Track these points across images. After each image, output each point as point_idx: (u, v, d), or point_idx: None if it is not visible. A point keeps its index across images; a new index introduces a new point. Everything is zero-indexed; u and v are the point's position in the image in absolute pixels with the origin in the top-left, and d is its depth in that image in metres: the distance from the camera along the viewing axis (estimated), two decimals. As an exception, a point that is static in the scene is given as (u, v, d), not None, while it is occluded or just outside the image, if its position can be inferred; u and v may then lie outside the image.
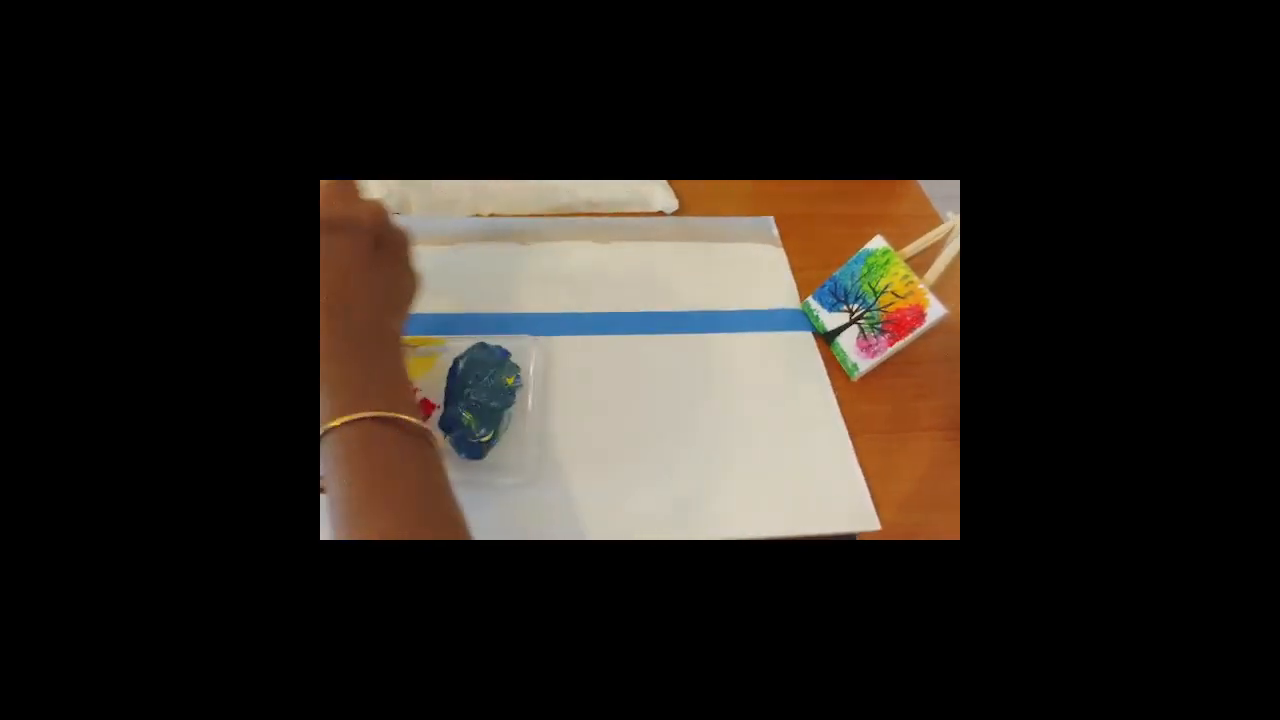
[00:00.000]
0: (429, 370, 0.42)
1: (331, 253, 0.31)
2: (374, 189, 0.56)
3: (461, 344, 0.43)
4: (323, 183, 0.33)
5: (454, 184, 0.57)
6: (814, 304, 0.51)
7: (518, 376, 0.42)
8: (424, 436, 0.29)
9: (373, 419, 0.27)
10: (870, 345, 0.46)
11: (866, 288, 0.47)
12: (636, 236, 0.56)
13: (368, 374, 0.29)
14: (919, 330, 0.44)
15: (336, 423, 0.27)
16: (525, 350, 0.44)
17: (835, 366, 0.48)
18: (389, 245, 0.34)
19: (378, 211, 0.34)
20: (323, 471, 0.27)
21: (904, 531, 0.40)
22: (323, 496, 0.27)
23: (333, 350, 0.29)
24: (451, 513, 0.29)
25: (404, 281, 0.35)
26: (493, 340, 0.43)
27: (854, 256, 0.49)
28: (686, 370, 0.47)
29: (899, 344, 0.45)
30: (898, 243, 0.48)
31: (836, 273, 0.50)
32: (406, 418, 0.28)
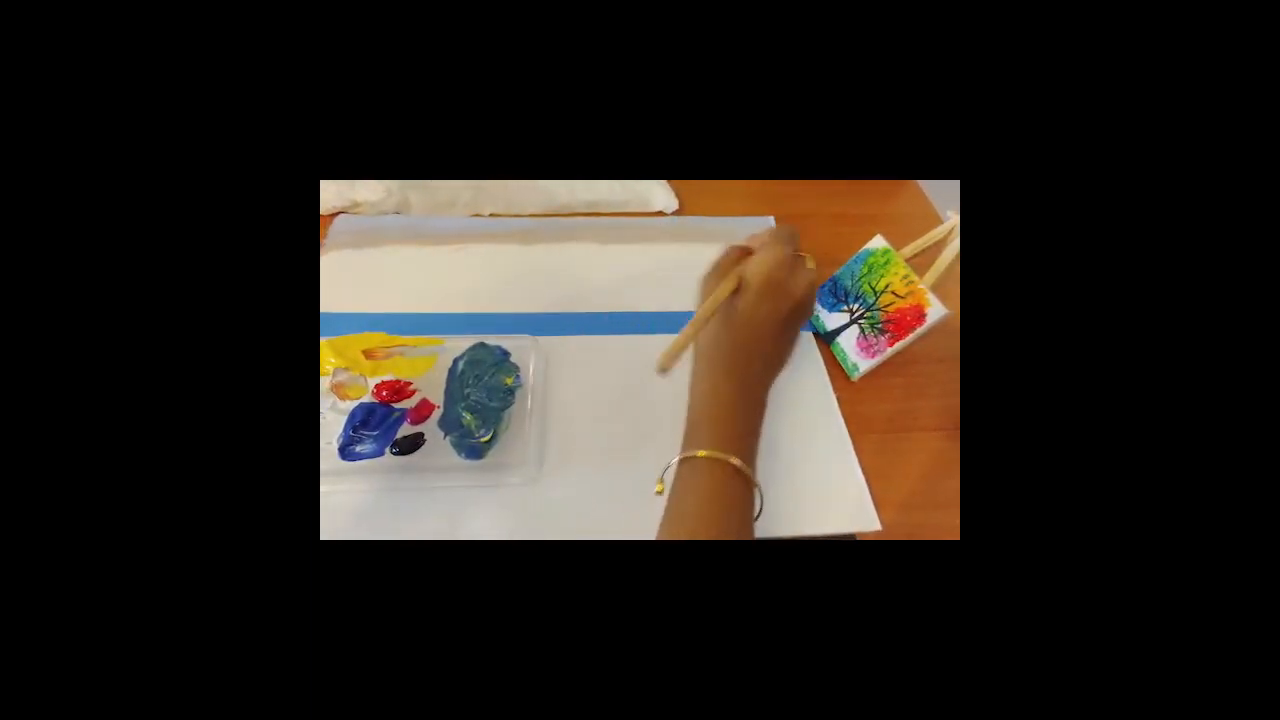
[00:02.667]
0: (429, 370, 0.42)
1: (756, 314, 0.35)
2: (374, 189, 0.56)
3: (461, 344, 0.43)
4: (778, 242, 0.37)
5: (454, 184, 0.57)
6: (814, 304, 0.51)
7: (517, 376, 0.42)
8: (756, 491, 0.33)
9: (737, 468, 0.32)
10: (870, 345, 0.46)
11: (867, 288, 0.47)
12: (636, 237, 0.56)
13: (744, 426, 0.34)
14: (919, 330, 0.44)
15: (705, 454, 0.32)
16: (525, 350, 0.44)
17: (835, 366, 0.48)
18: (803, 313, 0.37)
19: (810, 286, 0.36)
20: (676, 486, 0.33)
21: (904, 531, 0.40)
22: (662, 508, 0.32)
23: (726, 399, 0.34)
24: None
25: (792, 348, 0.38)
26: (493, 340, 0.43)
27: (854, 256, 0.49)
28: (686, 370, 0.47)
29: (899, 344, 0.45)
30: (898, 243, 0.48)
31: (837, 273, 0.50)
32: (751, 474, 0.33)
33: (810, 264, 0.38)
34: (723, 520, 0.31)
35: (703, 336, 0.36)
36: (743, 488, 0.32)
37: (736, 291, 0.36)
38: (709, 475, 0.32)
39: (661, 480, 0.34)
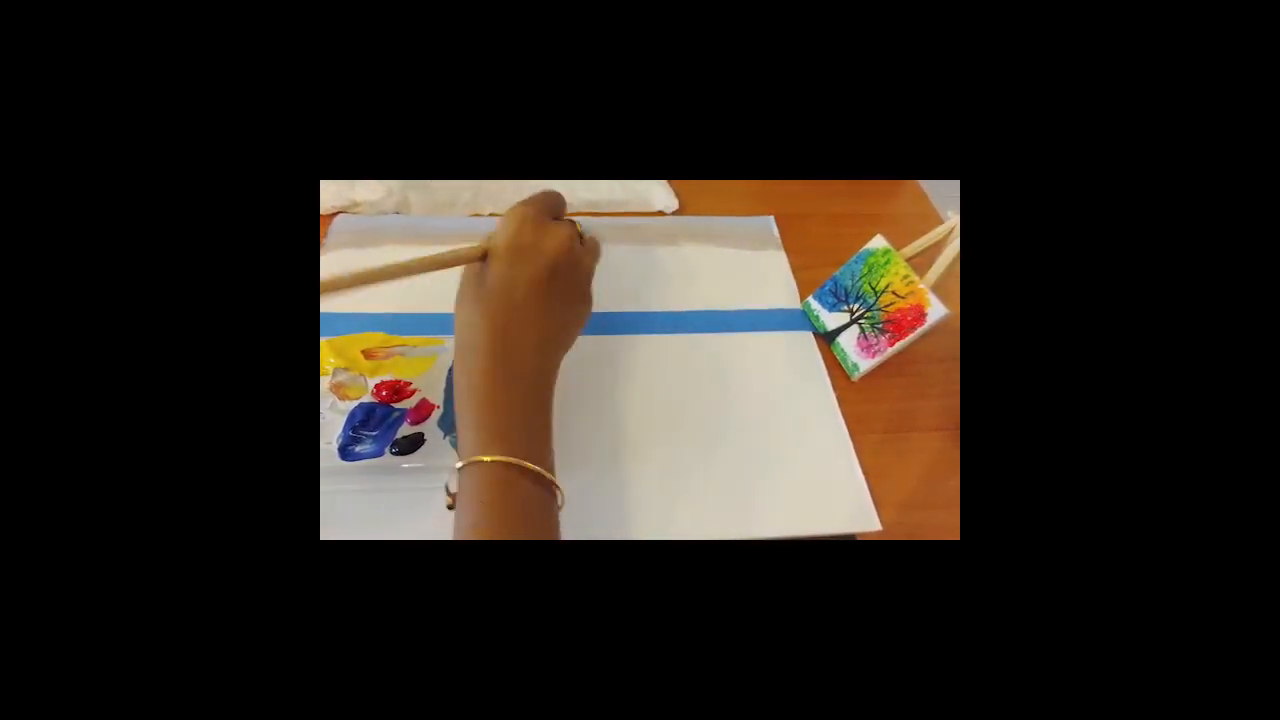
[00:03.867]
0: (429, 370, 0.42)
1: (503, 282, 0.31)
2: (374, 189, 0.56)
3: (461, 344, 0.43)
4: (522, 204, 0.33)
5: (454, 184, 0.57)
6: (814, 304, 0.51)
7: (518, 376, 0.42)
8: (552, 489, 0.30)
9: (514, 465, 0.28)
10: (871, 345, 0.46)
11: (867, 287, 0.47)
12: (636, 237, 0.56)
13: (516, 417, 0.30)
14: (920, 330, 0.44)
15: (478, 460, 0.28)
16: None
17: (836, 366, 0.48)
18: (566, 274, 0.33)
19: (561, 240, 0.33)
20: (457, 499, 0.29)
21: (904, 531, 0.40)
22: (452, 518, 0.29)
23: (487, 387, 0.30)
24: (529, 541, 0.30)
25: (573, 313, 0.34)
26: (493, 340, 0.43)
27: (854, 256, 0.49)
28: (686, 370, 0.47)
29: (899, 344, 0.45)
30: (898, 242, 0.48)
31: (837, 273, 0.50)
32: (542, 470, 0.29)
33: (579, 229, 0.35)
34: (507, 532, 0.27)
35: (457, 324, 0.32)
36: (528, 486, 0.29)
37: (485, 263, 0.32)
38: (482, 482, 0.28)
39: (449, 492, 0.30)
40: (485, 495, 0.28)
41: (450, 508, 0.29)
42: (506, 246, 0.32)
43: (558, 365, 0.34)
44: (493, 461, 0.28)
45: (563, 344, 0.34)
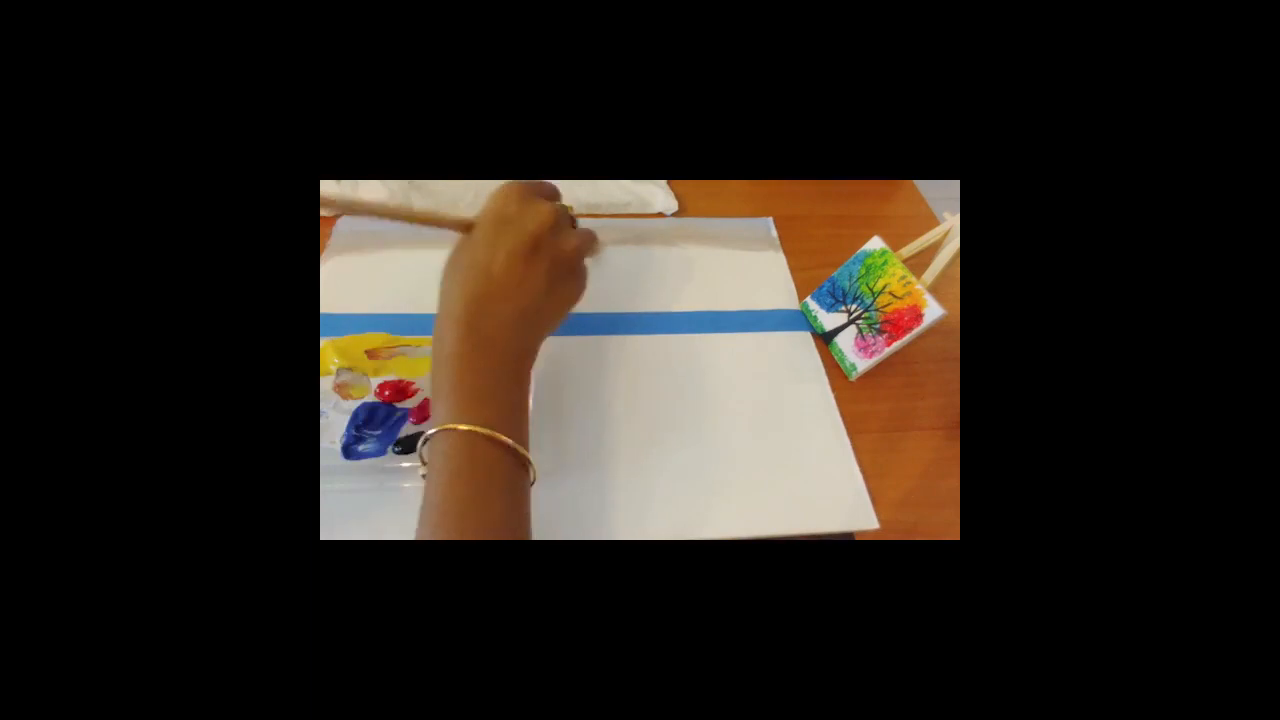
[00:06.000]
0: (429, 370, 0.42)
1: (480, 254, 0.31)
2: (375, 189, 0.56)
3: (462, 344, 0.43)
4: (510, 182, 0.33)
5: (454, 184, 0.58)
6: (812, 304, 0.51)
7: (518, 376, 0.42)
8: (524, 462, 0.29)
9: (480, 435, 0.28)
10: (868, 345, 0.46)
11: (864, 288, 0.48)
12: (636, 238, 0.57)
13: (486, 387, 0.30)
14: (916, 330, 0.44)
15: (445, 428, 0.28)
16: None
17: (834, 366, 0.48)
18: (548, 250, 0.33)
19: (544, 215, 0.33)
20: (428, 467, 0.29)
21: (902, 531, 0.40)
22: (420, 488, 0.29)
23: (460, 356, 0.30)
24: (528, 540, 0.30)
25: (557, 292, 0.34)
26: (493, 340, 0.43)
27: (852, 257, 0.49)
28: (685, 370, 0.47)
29: (897, 344, 0.45)
30: (895, 244, 0.48)
31: (835, 273, 0.50)
32: (510, 442, 0.29)
33: (570, 212, 0.35)
34: (476, 502, 0.28)
35: (439, 295, 0.32)
36: (497, 456, 0.29)
37: (467, 234, 0.33)
38: (452, 450, 0.28)
39: (422, 460, 0.30)
40: (453, 464, 0.28)
41: (424, 476, 0.29)
42: (489, 218, 0.32)
43: (537, 342, 0.34)
44: (465, 430, 0.28)
45: (543, 322, 0.34)
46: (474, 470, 0.28)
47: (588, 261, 0.38)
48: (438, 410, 0.30)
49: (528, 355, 0.33)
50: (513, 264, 0.31)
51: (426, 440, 0.29)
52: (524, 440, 0.30)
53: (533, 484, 0.30)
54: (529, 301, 0.32)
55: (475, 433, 0.28)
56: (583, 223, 0.59)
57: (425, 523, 0.28)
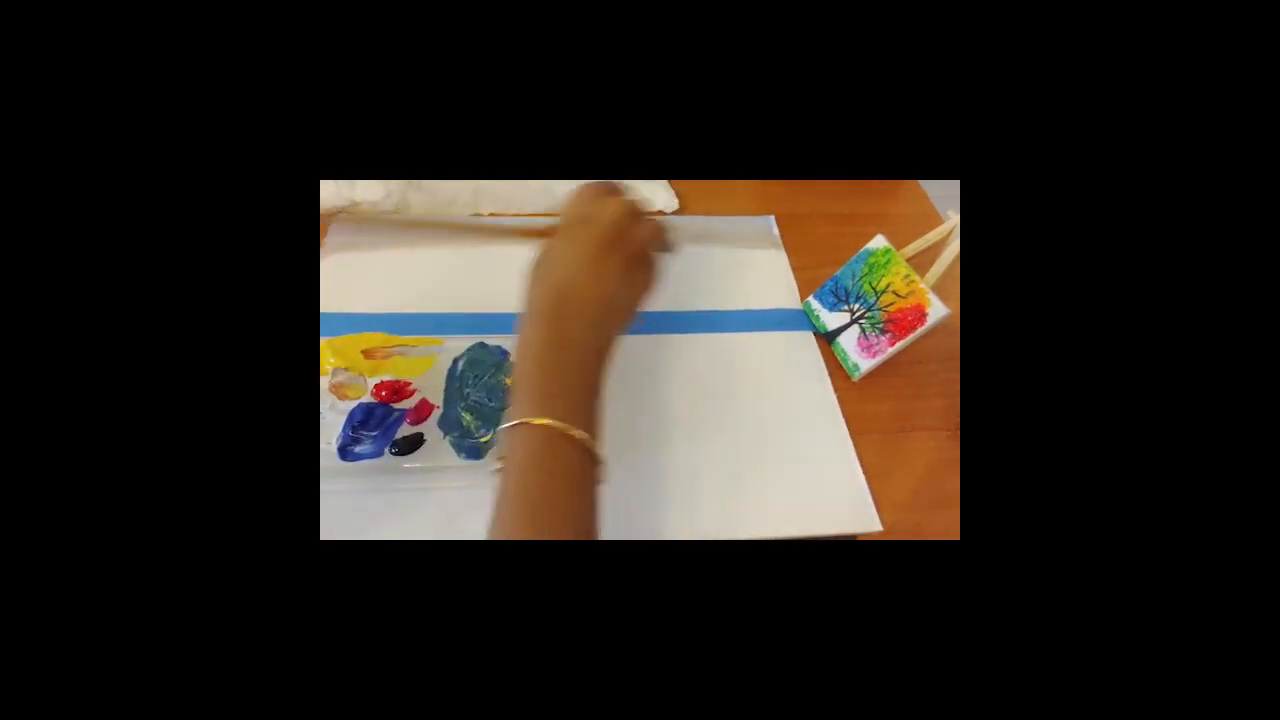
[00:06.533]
0: (428, 370, 0.42)
1: (561, 252, 0.32)
2: (374, 189, 0.56)
3: (461, 344, 0.43)
4: (587, 187, 0.35)
5: (454, 184, 0.57)
6: (815, 304, 0.51)
7: (517, 376, 0.42)
8: (596, 459, 0.30)
9: (554, 429, 0.28)
10: (871, 345, 0.46)
11: (867, 287, 0.47)
12: (636, 236, 0.56)
13: (563, 382, 0.30)
14: (920, 330, 0.44)
15: (521, 421, 0.29)
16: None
17: (836, 366, 0.48)
18: (626, 248, 0.33)
19: (618, 212, 0.33)
20: (501, 460, 0.29)
21: (905, 531, 0.40)
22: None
23: (539, 352, 0.31)
24: (598, 538, 0.30)
25: (633, 286, 0.34)
26: (492, 340, 0.43)
27: (855, 256, 0.49)
28: (686, 370, 0.47)
29: (900, 344, 0.45)
30: (898, 242, 0.48)
31: (837, 272, 0.50)
32: (584, 437, 0.29)
33: (628, 189, 0.35)
34: (546, 491, 0.28)
35: (524, 296, 0.33)
36: (570, 452, 0.29)
37: (548, 238, 0.33)
38: (525, 443, 0.29)
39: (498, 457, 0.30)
40: (527, 458, 0.28)
41: (497, 471, 0.30)
42: (569, 219, 0.33)
43: (614, 338, 0.34)
44: (539, 425, 0.28)
45: (619, 315, 0.34)
46: (548, 465, 0.29)
47: (666, 256, 0.38)
48: (517, 402, 0.30)
49: (606, 351, 0.33)
50: (588, 256, 0.32)
51: (502, 432, 0.30)
52: (598, 436, 0.31)
53: (601, 483, 0.30)
54: (608, 295, 0.33)
55: (549, 427, 0.28)
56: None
57: (499, 513, 0.28)
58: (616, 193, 0.35)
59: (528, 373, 0.31)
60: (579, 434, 0.29)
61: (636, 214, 0.35)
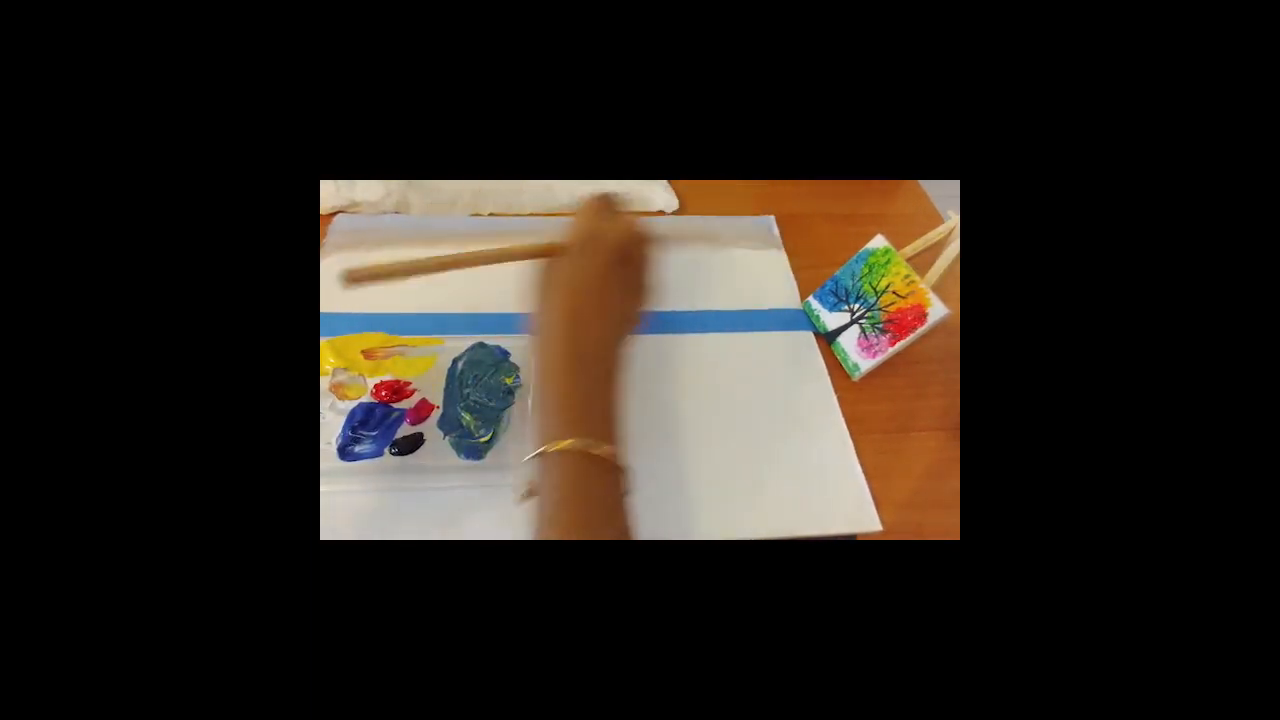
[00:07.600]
0: (428, 370, 0.42)
1: (573, 271, 0.33)
2: (374, 188, 0.56)
3: (461, 344, 0.43)
4: (591, 204, 0.35)
5: (454, 184, 0.57)
6: (815, 304, 0.51)
7: (517, 376, 0.42)
8: (624, 474, 0.30)
9: (583, 453, 0.28)
10: (871, 345, 0.46)
11: (868, 287, 0.47)
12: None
13: (588, 401, 0.31)
14: (920, 330, 0.44)
15: (552, 448, 0.29)
16: (525, 350, 0.44)
17: (836, 366, 0.48)
18: (632, 262, 0.35)
19: (625, 228, 0.34)
20: (535, 484, 0.29)
21: (905, 531, 0.40)
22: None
23: (559, 372, 0.31)
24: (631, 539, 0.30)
25: (639, 299, 0.35)
26: (492, 340, 0.43)
27: (855, 256, 0.49)
28: (687, 370, 0.47)
29: (900, 344, 0.44)
30: (899, 242, 0.48)
31: (838, 272, 0.50)
32: (611, 452, 0.29)
33: (625, 203, 0.36)
34: (583, 519, 0.28)
35: (534, 316, 0.33)
36: (599, 472, 0.29)
37: (554, 256, 0.34)
38: (559, 470, 0.29)
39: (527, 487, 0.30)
40: (562, 485, 0.29)
41: (526, 498, 0.30)
42: (579, 236, 0.33)
43: (627, 348, 0.34)
44: (569, 451, 0.28)
45: (629, 328, 0.35)
46: (584, 487, 0.29)
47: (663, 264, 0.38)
48: (546, 426, 0.30)
49: (622, 364, 0.33)
50: (600, 276, 0.33)
51: (532, 460, 0.30)
52: (623, 447, 0.31)
53: (629, 494, 0.31)
54: (621, 311, 0.34)
55: (581, 451, 0.29)
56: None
57: (543, 535, 0.28)
58: (620, 209, 0.36)
59: (550, 395, 0.31)
60: (606, 450, 0.29)
61: (641, 230, 0.36)
